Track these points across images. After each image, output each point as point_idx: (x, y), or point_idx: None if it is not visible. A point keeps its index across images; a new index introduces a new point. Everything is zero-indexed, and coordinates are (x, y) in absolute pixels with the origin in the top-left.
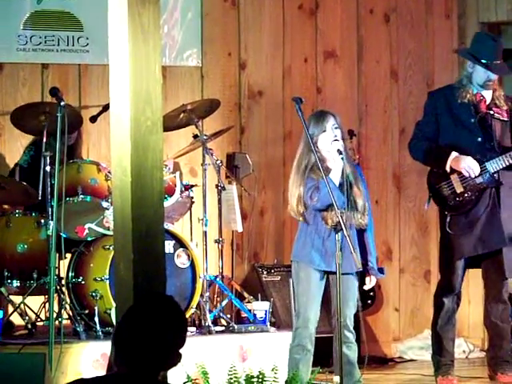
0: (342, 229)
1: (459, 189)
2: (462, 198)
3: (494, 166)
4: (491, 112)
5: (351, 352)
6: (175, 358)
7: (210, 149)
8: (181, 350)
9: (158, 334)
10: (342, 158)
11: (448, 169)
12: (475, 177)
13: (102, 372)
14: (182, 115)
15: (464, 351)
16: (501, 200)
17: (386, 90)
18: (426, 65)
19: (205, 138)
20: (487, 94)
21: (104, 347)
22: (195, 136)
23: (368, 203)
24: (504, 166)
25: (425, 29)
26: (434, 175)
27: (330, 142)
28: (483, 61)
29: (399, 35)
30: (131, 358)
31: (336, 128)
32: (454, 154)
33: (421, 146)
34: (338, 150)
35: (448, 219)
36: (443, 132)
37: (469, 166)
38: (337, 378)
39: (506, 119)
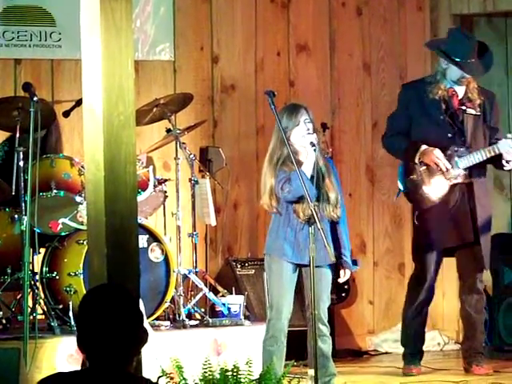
0: (315, 221)
1: (428, 182)
2: (431, 191)
3: (464, 162)
4: (463, 108)
5: (325, 345)
6: (139, 341)
7: (183, 143)
8: (146, 326)
9: (112, 325)
10: (315, 150)
11: (418, 161)
12: (445, 170)
13: (77, 367)
14: (154, 109)
15: (439, 343)
16: (475, 195)
17: (359, 83)
18: (399, 58)
19: (178, 132)
20: (460, 89)
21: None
22: (168, 130)
23: (340, 196)
24: (475, 162)
25: (397, 22)
26: (404, 167)
27: (303, 135)
28: (457, 59)
29: (371, 28)
30: (92, 353)
31: (309, 122)
32: (423, 147)
33: (394, 141)
34: (311, 142)
35: (417, 212)
36: (414, 126)
37: (438, 158)
38: (311, 372)
39: (478, 113)
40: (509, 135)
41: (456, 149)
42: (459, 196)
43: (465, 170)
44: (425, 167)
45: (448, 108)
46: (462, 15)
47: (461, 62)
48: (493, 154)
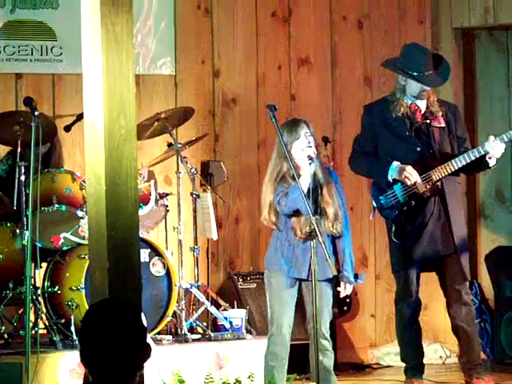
0: (316, 235)
1: (403, 198)
2: (405, 206)
3: (436, 174)
4: (427, 121)
5: (327, 359)
6: (142, 356)
7: (185, 157)
8: (148, 341)
9: (115, 339)
10: (310, 164)
11: (391, 179)
12: (417, 186)
13: (80, 381)
14: (156, 124)
15: (441, 357)
16: (448, 206)
17: (360, 97)
18: None
19: (179, 146)
20: (422, 104)
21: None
22: (169, 144)
23: (344, 210)
24: (446, 174)
25: (398, 35)
26: (377, 186)
27: (302, 148)
28: (414, 74)
29: (373, 41)
30: (95, 367)
31: (309, 135)
32: (395, 163)
33: (362, 161)
34: (309, 155)
35: (393, 228)
36: (382, 145)
37: (410, 174)
38: None
39: (443, 125)
40: (491, 137)
41: (427, 162)
42: (435, 208)
43: (436, 182)
44: (399, 184)
45: (412, 123)
46: (463, 28)
47: (418, 75)
48: (478, 155)
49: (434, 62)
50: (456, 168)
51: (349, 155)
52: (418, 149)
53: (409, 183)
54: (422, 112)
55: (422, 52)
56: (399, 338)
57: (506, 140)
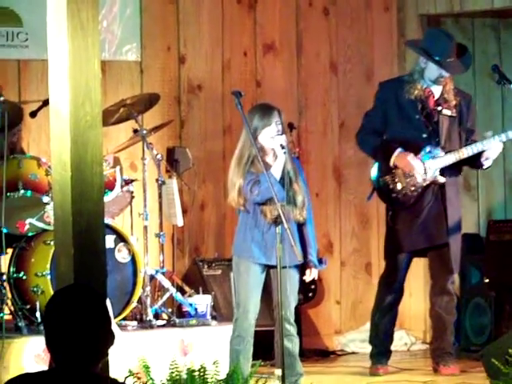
0: (282, 221)
1: (402, 184)
2: (404, 193)
3: (438, 163)
4: (439, 108)
5: (292, 345)
6: (106, 343)
7: (150, 143)
8: (113, 327)
9: (79, 325)
10: (285, 153)
11: (392, 165)
12: (416, 175)
13: (45, 367)
14: (121, 110)
15: (406, 343)
16: (446, 196)
17: (326, 83)
18: (366, 58)
19: (145, 132)
20: (436, 90)
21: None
22: (135, 130)
23: (307, 197)
24: (448, 163)
25: (364, 22)
26: (379, 168)
27: (272, 136)
28: (437, 58)
29: (339, 28)
30: (59, 353)
31: (279, 124)
32: (398, 150)
33: (369, 140)
34: (281, 144)
35: (390, 213)
36: (390, 125)
37: (411, 164)
38: (278, 371)
39: (454, 115)
40: (488, 133)
41: (429, 150)
42: (432, 198)
43: (438, 171)
44: (400, 169)
45: (424, 108)
46: (428, 15)
47: (440, 60)
48: (480, 150)
49: (458, 50)
50: (459, 159)
51: (315, 140)
52: (424, 135)
53: (408, 171)
54: (436, 98)
55: (447, 38)
56: (373, 321)
57: (505, 140)
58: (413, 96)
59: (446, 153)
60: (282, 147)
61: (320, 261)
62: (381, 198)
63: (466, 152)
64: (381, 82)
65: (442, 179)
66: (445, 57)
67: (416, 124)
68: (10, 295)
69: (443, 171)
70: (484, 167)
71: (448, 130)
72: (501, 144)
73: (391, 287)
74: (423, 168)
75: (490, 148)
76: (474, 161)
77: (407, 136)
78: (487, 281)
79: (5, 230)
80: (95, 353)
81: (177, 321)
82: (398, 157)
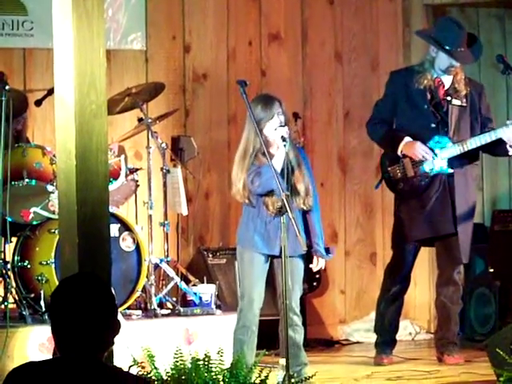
0: (286, 211)
1: (410, 173)
2: (412, 182)
3: (446, 153)
4: (448, 98)
5: (297, 335)
6: (112, 331)
7: (155, 132)
8: (119, 319)
9: (85, 313)
10: (285, 146)
11: (400, 153)
12: (426, 163)
13: (49, 356)
14: (126, 98)
15: (410, 333)
16: (455, 185)
17: (331, 73)
18: (371, 47)
19: (149, 121)
20: (447, 79)
21: (50, 331)
22: (140, 119)
23: (313, 186)
24: (456, 154)
25: (369, 11)
26: (387, 157)
27: (275, 128)
28: (447, 48)
29: (344, 18)
30: (65, 342)
31: (281, 114)
32: (406, 139)
33: (378, 129)
34: (282, 136)
35: (398, 202)
36: (399, 114)
37: (419, 152)
38: (283, 361)
39: (464, 105)
40: (508, 122)
41: (438, 139)
42: (440, 187)
43: (446, 160)
44: (408, 158)
45: (433, 98)
46: (434, 5)
47: (450, 49)
48: (489, 140)
49: (468, 40)
50: (466, 150)
51: (319, 130)
52: (433, 125)
53: (417, 159)
54: (446, 88)
55: (458, 27)
56: (378, 310)
57: None
58: (422, 86)
59: (454, 143)
60: (284, 139)
61: (327, 250)
62: (388, 186)
63: (474, 143)
64: (391, 71)
65: (449, 169)
66: (455, 46)
67: (425, 114)
68: (14, 284)
69: (452, 161)
70: (510, 153)
71: (457, 120)
72: None
73: (397, 277)
74: (431, 157)
75: (509, 137)
76: (496, 149)
77: (416, 125)
78: (492, 270)
79: (9, 219)
80: (101, 341)
81: (181, 310)
82: (405, 145)
